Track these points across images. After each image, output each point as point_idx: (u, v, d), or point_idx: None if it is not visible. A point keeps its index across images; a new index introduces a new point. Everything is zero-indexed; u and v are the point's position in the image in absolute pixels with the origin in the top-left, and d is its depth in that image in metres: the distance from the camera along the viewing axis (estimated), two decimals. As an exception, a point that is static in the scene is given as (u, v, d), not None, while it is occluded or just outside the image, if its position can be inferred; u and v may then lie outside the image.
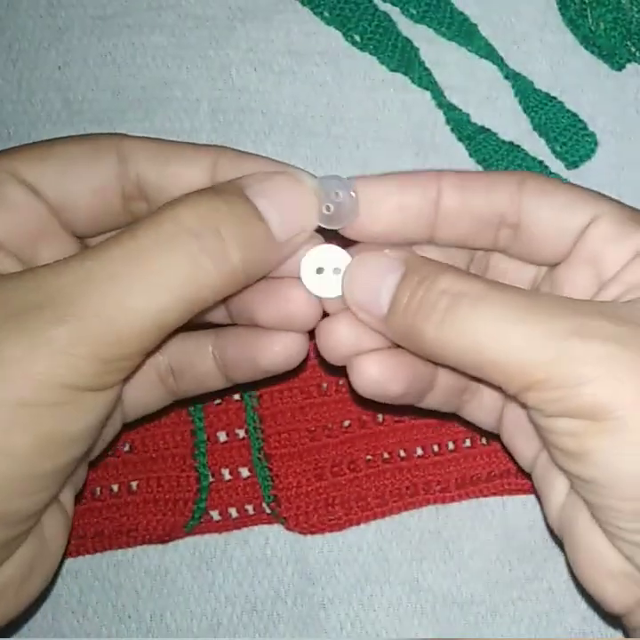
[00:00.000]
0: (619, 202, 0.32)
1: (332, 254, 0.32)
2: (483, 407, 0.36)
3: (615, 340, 0.28)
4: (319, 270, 0.32)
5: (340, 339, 0.32)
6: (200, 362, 0.36)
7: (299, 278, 0.32)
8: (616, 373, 0.27)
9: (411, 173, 0.32)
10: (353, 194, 0.31)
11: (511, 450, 0.36)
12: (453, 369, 0.31)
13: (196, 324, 0.33)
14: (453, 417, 0.38)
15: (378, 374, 0.32)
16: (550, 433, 0.29)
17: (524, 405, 0.30)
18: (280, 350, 0.33)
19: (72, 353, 0.28)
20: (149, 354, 0.30)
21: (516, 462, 0.36)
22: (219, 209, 0.29)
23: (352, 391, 0.34)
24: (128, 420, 0.37)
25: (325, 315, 0.33)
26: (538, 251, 0.32)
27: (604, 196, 0.32)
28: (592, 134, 0.43)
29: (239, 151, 0.33)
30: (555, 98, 0.44)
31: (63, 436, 0.29)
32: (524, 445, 0.35)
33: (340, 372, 0.34)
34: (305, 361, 0.35)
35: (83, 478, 0.35)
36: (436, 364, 0.32)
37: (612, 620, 0.39)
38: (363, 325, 0.32)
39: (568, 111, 0.43)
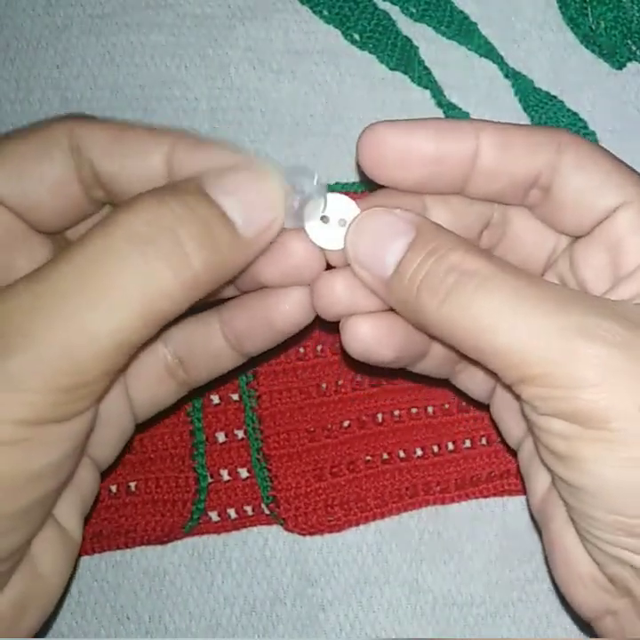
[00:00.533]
0: None
1: (339, 204, 0.30)
2: (475, 379, 0.35)
3: (622, 346, 0.26)
4: (324, 219, 0.30)
5: (336, 295, 0.30)
6: (210, 343, 0.33)
7: (302, 229, 0.30)
8: (619, 382, 0.26)
9: (450, 122, 0.30)
10: (319, 185, 0.29)
11: (498, 424, 0.35)
12: (450, 346, 0.29)
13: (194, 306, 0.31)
14: (444, 383, 0.37)
15: (370, 337, 0.31)
16: (541, 431, 0.28)
17: (518, 397, 0.29)
18: (292, 307, 0.31)
19: (24, 387, 0.25)
20: (118, 373, 0.28)
21: (502, 436, 0.36)
22: (174, 210, 0.27)
23: (344, 353, 0.32)
24: (140, 420, 0.35)
25: (329, 267, 0.31)
26: (562, 218, 0.31)
27: None
28: (592, 133, 0.43)
29: (196, 138, 0.30)
30: (555, 97, 0.43)
31: (23, 475, 0.27)
32: (513, 424, 0.34)
33: (334, 329, 0.32)
34: (314, 322, 0.33)
35: (93, 493, 0.33)
36: (432, 337, 0.31)
37: (582, 623, 0.38)
38: (361, 284, 0.30)
39: (568, 110, 0.43)
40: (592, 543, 0.29)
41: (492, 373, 0.29)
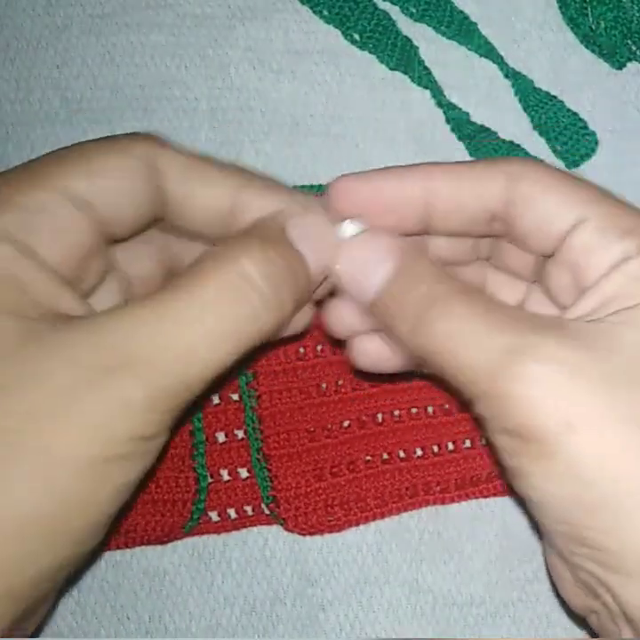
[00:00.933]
0: (613, 201, 0.30)
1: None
2: None
3: (563, 364, 0.27)
4: None
5: (343, 318, 0.33)
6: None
7: None
8: (554, 400, 0.27)
9: (401, 170, 0.32)
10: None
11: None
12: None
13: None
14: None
15: (375, 354, 0.33)
16: (494, 448, 0.29)
17: (475, 417, 0.30)
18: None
19: (148, 410, 0.28)
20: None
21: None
22: (276, 263, 0.30)
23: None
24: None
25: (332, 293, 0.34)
26: (527, 243, 0.32)
27: (599, 193, 0.30)
28: (592, 133, 0.43)
29: (264, 181, 0.33)
30: (555, 97, 0.43)
31: (127, 484, 0.29)
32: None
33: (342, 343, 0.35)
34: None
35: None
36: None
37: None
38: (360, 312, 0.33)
39: (568, 110, 0.43)
40: (561, 555, 0.29)
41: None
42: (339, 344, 0.36)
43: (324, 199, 0.32)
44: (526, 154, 0.43)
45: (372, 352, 0.33)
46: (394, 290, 0.30)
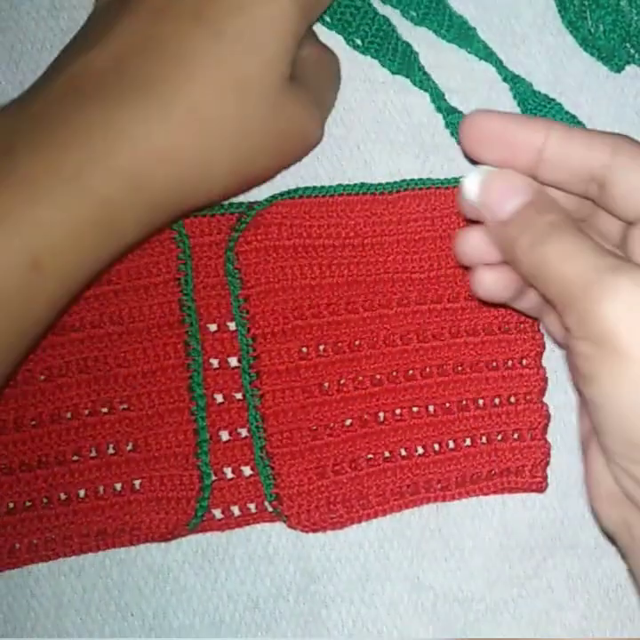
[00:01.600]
0: None
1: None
2: (555, 324, 0.40)
3: None
4: None
5: (470, 247, 0.38)
6: None
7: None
8: (634, 311, 0.31)
9: (527, 117, 0.36)
10: None
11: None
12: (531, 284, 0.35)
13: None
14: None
15: (491, 284, 0.38)
16: (572, 354, 0.33)
17: (566, 328, 0.33)
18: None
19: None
20: None
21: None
22: None
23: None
24: None
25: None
26: (617, 209, 0.35)
27: None
28: None
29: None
30: (553, 99, 0.44)
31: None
32: None
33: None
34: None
35: None
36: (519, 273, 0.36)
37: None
38: (488, 243, 0.37)
39: (566, 112, 0.44)
40: (611, 459, 0.33)
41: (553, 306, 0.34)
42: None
43: None
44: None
45: (490, 283, 0.38)
46: (525, 213, 0.35)
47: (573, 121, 0.44)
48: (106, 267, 0.37)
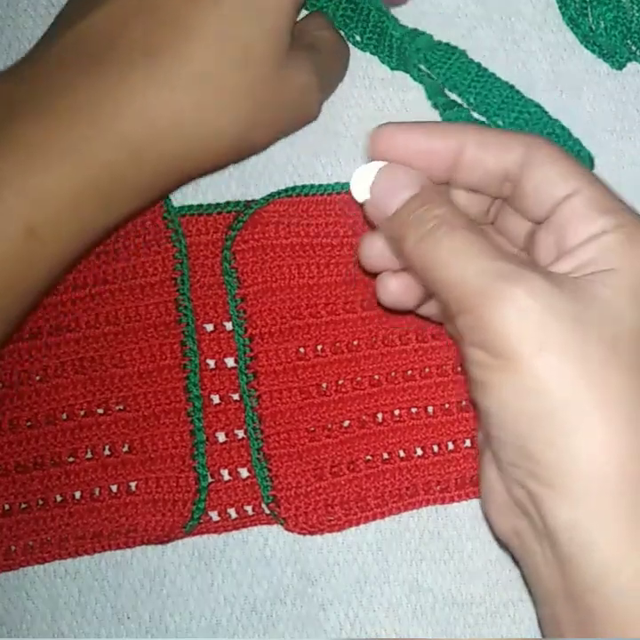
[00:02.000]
0: (603, 185, 0.34)
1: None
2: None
3: (540, 294, 0.31)
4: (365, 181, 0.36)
5: (373, 253, 0.37)
6: None
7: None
8: (529, 322, 0.30)
9: (440, 124, 0.37)
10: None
11: None
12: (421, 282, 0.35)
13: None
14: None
15: (395, 291, 0.37)
16: (466, 361, 0.33)
17: (457, 332, 0.33)
18: None
19: None
20: None
21: None
22: None
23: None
24: None
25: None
26: (527, 208, 0.36)
27: (593, 176, 0.35)
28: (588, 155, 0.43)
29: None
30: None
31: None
32: None
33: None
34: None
35: None
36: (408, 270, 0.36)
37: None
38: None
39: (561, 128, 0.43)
40: (502, 467, 0.33)
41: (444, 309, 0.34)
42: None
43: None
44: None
45: (394, 289, 0.37)
46: (411, 208, 0.34)
47: (555, 125, 0.43)
48: (107, 232, 0.37)
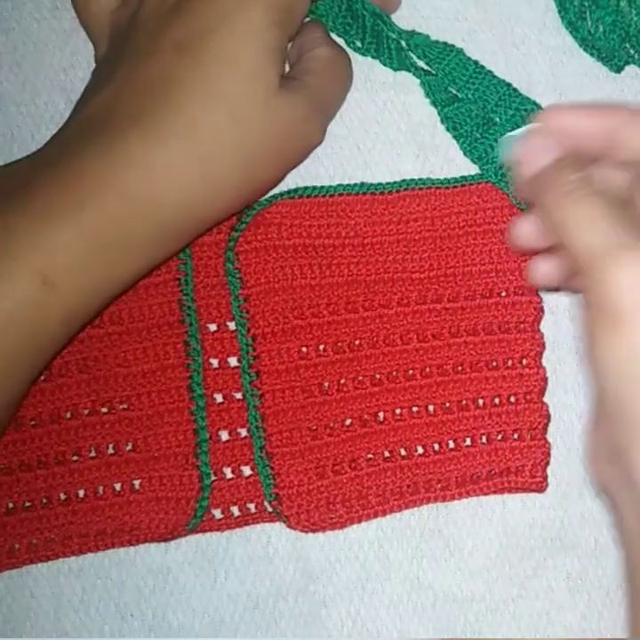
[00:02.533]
0: None
1: None
2: None
3: None
4: None
5: (523, 234, 0.39)
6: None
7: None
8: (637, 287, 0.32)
9: (597, 105, 0.39)
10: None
11: None
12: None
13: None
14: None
15: (545, 272, 0.40)
16: (583, 317, 0.34)
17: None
18: None
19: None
20: None
21: None
22: None
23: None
24: None
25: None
26: None
27: None
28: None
29: None
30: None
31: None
32: None
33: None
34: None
35: None
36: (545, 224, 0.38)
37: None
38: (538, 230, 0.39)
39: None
40: (601, 420, 0.36)
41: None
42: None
43: None
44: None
45: (544, 271, 0.40)
46: (557, 165, 0.37)
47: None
48: (123, 287, 0.39)
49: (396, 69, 0.44)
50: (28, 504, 0.41)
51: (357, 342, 0.42)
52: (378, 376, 0.42)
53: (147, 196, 0.37)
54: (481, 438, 0.42)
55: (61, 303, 0.36)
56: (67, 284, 0.36)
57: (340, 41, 0.44)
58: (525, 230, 0.39)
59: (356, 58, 0.44)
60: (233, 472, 0.42)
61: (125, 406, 0.41)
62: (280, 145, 0.40)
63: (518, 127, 0.41)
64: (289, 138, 0.40)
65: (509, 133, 0.39)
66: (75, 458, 0.41)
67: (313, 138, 0.42)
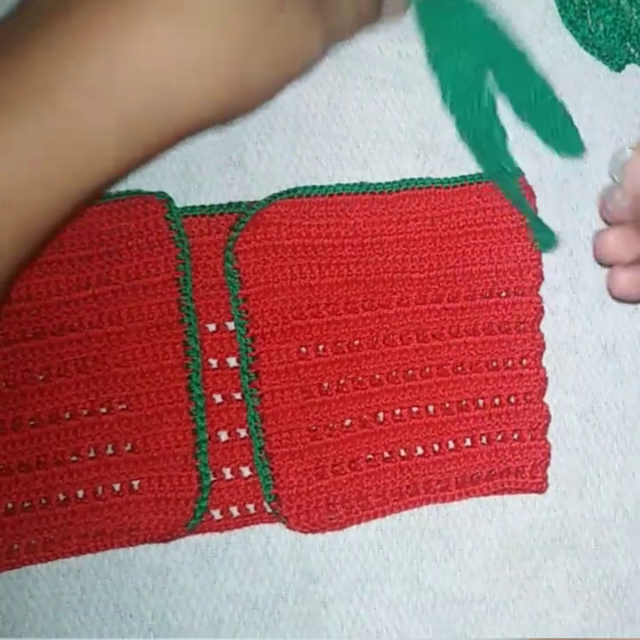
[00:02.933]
0: None
1: None
2: None
3: None
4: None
5: (609, 246, 0.41)
6: None
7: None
8: None
9: None
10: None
11: None
12: None
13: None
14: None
15: (626, 283, 0.41)
16: None
17: None
18: None
19: None
20: None
21: None
22: None
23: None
24: None
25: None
26: None
27: None
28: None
29: None
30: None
31: None
32: None
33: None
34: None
35: None
36: None
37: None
38: (625, 242, 0.41)
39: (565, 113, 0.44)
40: None
41: None
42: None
43: None
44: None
45: (624, 281, 0.41)
46: None
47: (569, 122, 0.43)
48: (85, 200, 0.33)
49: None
50: (27, 504, 0.41)
51: (357, 342, 0.42)
52: (378, 376, 0.42)
53: (111, 89, 0.31)
54: (481, 439, 0.42)
55: (13, 221, 0.31)
56: (19, 197, 0.30)
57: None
58: (611, 242, 0.41)
59: (356, 55, 0.44)
60: (232, 472, 0.42)
61: (124, 406, 0.41)
62: (275, 44, 0.35)
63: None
64: (286, 38, 0.35)
65: (614, 153, 0.42)
66: (74, 458, 0.41)
67: (312, 46, 0.37)
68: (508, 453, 0.42)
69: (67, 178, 0.32)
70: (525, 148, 0.44)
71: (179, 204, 0.43)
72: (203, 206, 0.43)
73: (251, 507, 0.42)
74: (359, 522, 0.42)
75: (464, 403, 0.42)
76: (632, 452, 0.44)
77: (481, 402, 0.43)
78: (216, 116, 0.35)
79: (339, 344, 0.42)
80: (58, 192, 0.32)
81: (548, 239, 0.43)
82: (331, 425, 0.42)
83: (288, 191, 0.42)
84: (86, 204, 0.34)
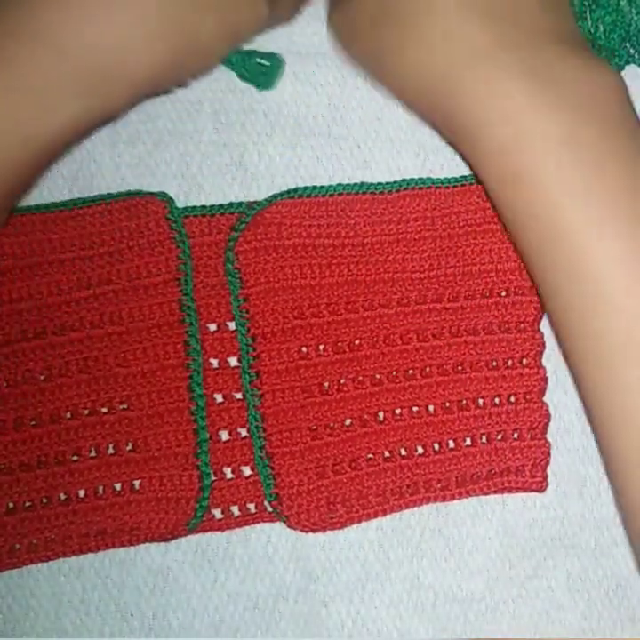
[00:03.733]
0: None
1: None
2: None
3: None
4: None
5: None
6: None
7: None
8: None
9: None
10: None
11: None
12: None
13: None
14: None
15: None
16: None
17: None
18: None
19: None
20: None
21: None
22: None
23: None
24: None
25: None
26: None
27: None
28: None
29: None
30: None
31: None
32: None
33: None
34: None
35: None
36: None
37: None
38: None
39: None
40: None
41: None
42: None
43: None
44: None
45: None
46: None
47: None
48: (46, 156, 0.35)
49: None
50: (28, 504, 0.41)
51: (357, 342, 0.42)
52: (378, 376, 0.42)
53: (69, 46, 0.34)
54: (481, 438, 0.42)
55: None
56: None
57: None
58: None
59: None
60: (233, 472, 0.42)
61: (125, 406, 0.41)
62: (219, 4, 0.37)
63: None
64: None
65: None
66: (75, 458, 0.41)
67: (258, 6, 0.38)
68: (508, 453, 0.42)
69: (28, 125, 0.33)
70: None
71: (179, 204, 0.43)
72: (203, 206, 0.43)
73: (251, 506, 0.42)
74: (359, 521, 0.42)
75: (464, 402, 0.42)
76: (632, 451, 0.44)
77: (481, 401, 0.43)
78: (165, 75, 0.37)
79: (339, 344, 0.42)
80: (19, 140, 0.33)
81: None
82: (331, 424, 0.42)
83: (288, 191, 0.42)
84: (47, 161, 0.36)
